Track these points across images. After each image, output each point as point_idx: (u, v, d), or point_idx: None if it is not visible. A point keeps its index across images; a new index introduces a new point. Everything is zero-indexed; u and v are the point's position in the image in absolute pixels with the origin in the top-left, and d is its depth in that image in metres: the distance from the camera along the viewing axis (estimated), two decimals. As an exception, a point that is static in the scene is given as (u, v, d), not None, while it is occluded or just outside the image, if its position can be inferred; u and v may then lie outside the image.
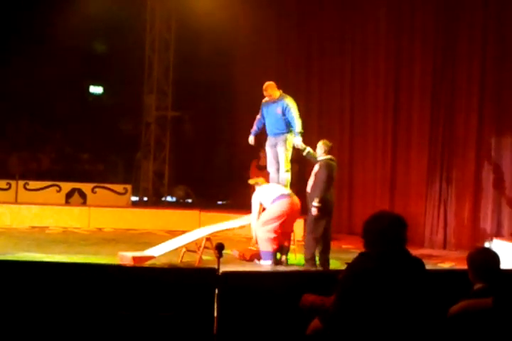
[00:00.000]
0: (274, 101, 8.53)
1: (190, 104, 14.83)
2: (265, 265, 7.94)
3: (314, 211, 7.72)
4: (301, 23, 12.77)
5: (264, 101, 8.72)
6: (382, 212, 3.57)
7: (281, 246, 8.17)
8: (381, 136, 11.28)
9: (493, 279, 3.59)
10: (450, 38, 10.26)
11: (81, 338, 4.20)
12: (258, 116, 8.79)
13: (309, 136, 8.89)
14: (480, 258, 3.63)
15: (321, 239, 7.80)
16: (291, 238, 8.44)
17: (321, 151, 7.93)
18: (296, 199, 8.20)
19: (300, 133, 8.36)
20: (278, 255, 8.14)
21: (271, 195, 8.19)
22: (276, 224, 8.00)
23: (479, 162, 9.87)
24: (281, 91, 8.59)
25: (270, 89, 8.50)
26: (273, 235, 7.97)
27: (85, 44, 15.32)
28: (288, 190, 8.30)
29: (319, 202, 7.67)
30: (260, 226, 8.06)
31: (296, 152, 8.61)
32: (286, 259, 8.24)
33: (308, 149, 8.27)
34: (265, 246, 7.98)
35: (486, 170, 9.82)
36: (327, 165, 7.83)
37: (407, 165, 10.83)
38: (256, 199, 8.31)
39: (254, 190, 8.62)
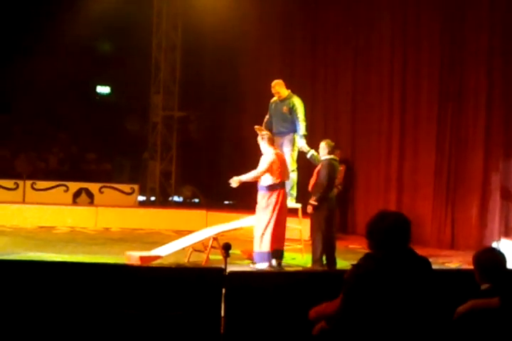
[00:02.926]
0: (282, 101, 8.53)
1: (196, 104, 14.85)
2: (262, 267, 7.64)
3: (309, 209, 7.81)
4: (306, 24, 12.77)
5: (272, 100, 8.72)
6: (384, 212, 3.56)
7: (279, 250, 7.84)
8: (388, 136, 11.25)
9: (500, 279, 3.58)
10: (457, 37, 10.22)
11: (88, 337, 4.22)
12: (267, 117, 8.78)
13: (315, 136, 8.89)
14: (486, 258, 3.62)
15: (326, 238, 7.81)
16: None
17: (323, 151, 7.96)
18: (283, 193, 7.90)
19: (304, 135, 8.34)
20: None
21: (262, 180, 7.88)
22: (272, 221, 7.74)
23: (487, 161, 9.83)
24: (289, 91, 8.59)
25: (278, 86, 8.49)
26: (270, 234, 7.70)
27: (92, 44, 15.37)
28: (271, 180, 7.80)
29: (316, 200, 7.74)
30: (260, 226, 7.83)
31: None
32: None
33: (312, 152, 8.28)
34: (264, 246, 7.70)
35: (494, 170, 9.77)
36: (329, 165, 7.88)
37: (414, 165, 10.81)
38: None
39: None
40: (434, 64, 10.52)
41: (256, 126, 8.45)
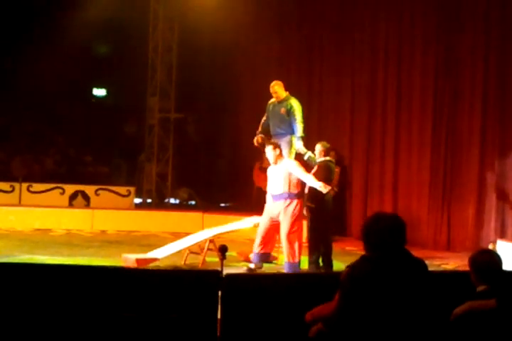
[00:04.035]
0: (280, 102, 8.53)
1: (193, 105, 14.86)
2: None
3: (306, 211, 7.83)
4: (302, 25, 12.79)
5: (270, 102, 8.72)
6: (379, 214, 3.56)
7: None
8: (384, 137, 11.26)
9: (496, 281, 3.59)
10: (453, 37, 10.24)
11: (84, 340, 4.21)
12: (264, 118, 8.79)
13: (310, 137, 8.88)
14: (482, 260, 3.63)
15: (323, 240, 7.82)
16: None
17: (319, 153, 7.96)
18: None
19: (301, 137, 8.35)
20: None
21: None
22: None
23: (483, 162, 9.85)
24: (288, 93, 8.60)
25: (277, 86, 8.48)
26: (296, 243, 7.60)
27: (88, 46, 15.37)
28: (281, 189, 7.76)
29: (312, 202, 7.75)
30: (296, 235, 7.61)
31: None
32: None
33: (309, 153, 8.28)
34: (297, 256, 7.57)
35: (489, 171, 9.80)
36: (325, 167, 7.88)
37: (409, 167, 10.81)
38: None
39: (256, 192, 8.49)
40: (429, 64, 10.53)
41: (261, 136, 8.42)
